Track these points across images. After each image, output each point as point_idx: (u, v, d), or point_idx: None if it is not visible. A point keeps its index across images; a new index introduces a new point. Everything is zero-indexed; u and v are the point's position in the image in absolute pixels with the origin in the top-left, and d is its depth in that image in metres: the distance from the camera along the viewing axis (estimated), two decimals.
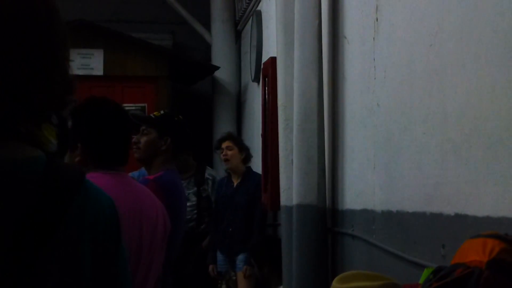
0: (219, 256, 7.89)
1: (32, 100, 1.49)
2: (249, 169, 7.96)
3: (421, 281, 2.70)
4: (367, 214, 4.13)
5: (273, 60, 6.14)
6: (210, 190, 8.00)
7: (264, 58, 7.60)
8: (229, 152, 7.74)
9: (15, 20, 1.49)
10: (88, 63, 9.64)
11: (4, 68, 1.46)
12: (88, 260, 1.55)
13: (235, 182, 7.88)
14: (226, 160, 7.83)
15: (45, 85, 1.50)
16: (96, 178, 3.06)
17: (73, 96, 1.59)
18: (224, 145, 7.77)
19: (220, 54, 10.56)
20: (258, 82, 8.08)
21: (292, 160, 4.86)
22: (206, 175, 8.01)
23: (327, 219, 4.80)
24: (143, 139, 4.09)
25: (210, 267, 7.96)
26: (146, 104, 9.79)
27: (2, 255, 1.42)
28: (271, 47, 6.71)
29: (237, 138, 8.20)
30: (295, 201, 4.77)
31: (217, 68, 10.35)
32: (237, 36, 10.25)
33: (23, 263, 1.44)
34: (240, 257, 7.60)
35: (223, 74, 10.53)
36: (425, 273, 2.70)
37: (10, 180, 1.47)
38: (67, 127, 1.58)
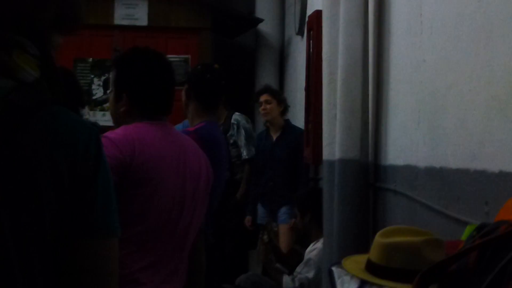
0: (260, 209, 7.90)
1: None
2: (288, 122, 7.94)
3: (463, 237, 2.71)
4: (410, 170, 4.14)
5: (318, 13, 6.13)
6: (236, 134, 7.91)
7: (309, 11, 7.56)
8: (268, 106, 7.71)
9: None
10: (132, 13, 9.61)
11: None
12: (47, 193, 1.51)
13: (274, 136, 7.86)
14: (265, 114, 7.82)
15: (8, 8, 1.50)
16: (141, 128, 3.11)
17: (49, 20, 1.55)
18: (262, 98, 7.74)
19: (264, 7, 10.51)
20: (302, 36, 8.05)
21: (335, 114, 4.87)
22: (232, 121, 7.93)
23: (370, 174, 4.82)
24: None
25: (247, 219, 7.99)
26: (189, 56, 9.77)
27: None
28: (316, 0, 6.67)
29: (275, 91, 8.13)
30: (337, 155, 4.79)
31: (260, 20, 10.31)
32: None
33: None
34: (283, 210, 7.61)
35: (267, 27, 10.48)
36: (468, 230, 2.69)
37: None
38: (51, 58, 1.53)
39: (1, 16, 1.49)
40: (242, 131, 7.97)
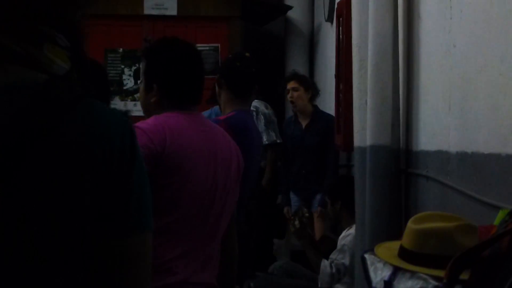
0: (293, 197, 7.89)
1: (27, 18, 1.47)
2: (317, 109, 7.91)
3: (496, 222, 2.71)
4: (441, 155, 4.13)
5: (347, 0, 6.12)
6: (256, 121, 7.85)
7: None
8: (295, 94, 7.67)
9: None
10: (161, 3, 9.63)
11: None
12: (86, 187, 1.50)
13: (304, 123, 7.82)
14: (292, 102, 7.79)
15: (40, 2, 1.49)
16: (171, 118, 3.14)
17: (79, 12, 1.54)
18: (289, 86, 7.71)
19: None
20: (332, 22, 8.05)
21: (366, 100, 4.87)
22: (251, 108, 7.84)
23: (401, 160, 4.81)
24: None
25: (285, 209, 7.97)
26: (219, 45, 9.80)
27: None
28: None
29: (302, 77, 8.05)
30: (368, 142, 4.79)
31: (289, 8, 10.32)
32: None
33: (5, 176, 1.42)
34: (317, 198, 7.61)
35: (296, 14, 10.49)
36: (500, 215, 2.70)
37: (8, 98, 1.45)
38: (82, 50, 1.51)
39: (32, 10, 1.48)
40: (261, 117, 7.89)
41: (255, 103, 7.79)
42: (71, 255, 1.50)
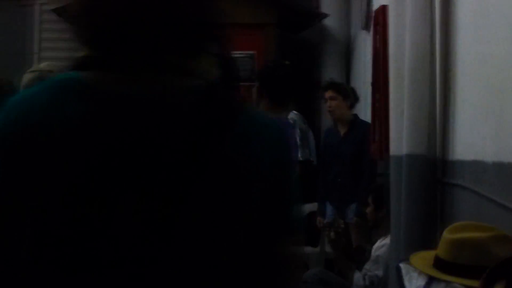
0: (328, 207, 7.83)
1: (186, 32, 1.50)
2: (356, 117, 7.85)
3: None
4: (477, 165, 4.12)
5: (384, 8, 6.13)
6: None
7: (375, 6, 7.54)
8: (333, 103, 7.61)
9: None
10: None
11: (154, 3, 1.47)
12: (253, 193, 1.51)
13: (342, 132, 7.77)
14: (330, 111, 7.74)
15: (196, 13, 1.51)
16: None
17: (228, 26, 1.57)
18: (327, 95, 7.65)
19: (329, 2, 10.52)
20: (368, 31, 8.04)
21: (402, 109, 4.86)
22: (289, 119, 7.69)
23: (437, 170, 4.80)
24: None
25: (318, 219, 7.92)
26: (254, 52, 9.82)
27: (164, 185, 1.42)
28: None
29: (340, 85, 7.97)
30: (405, 151, 4.79)
31: (326, 15, 10.31)
32: None
33: (181, 194, 1.43)
34: (351, 207, 7.55)
35: (332, 22, 10.48)
36: None
37: (165, 112, 1.47)
38: (231, 57, 1.53)
39: (191, 24, 1.51)
40: (298, 131, 7.75)
41: (293, 115, 7.64)
42: (243, 264, 1.52)
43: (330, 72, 10.26)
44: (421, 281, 2.88)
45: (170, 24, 1.49)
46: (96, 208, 1.41)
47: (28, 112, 1.43)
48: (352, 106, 7.75)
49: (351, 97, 7.71)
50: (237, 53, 8.96)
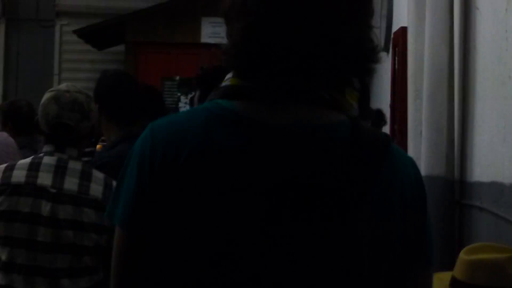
0: None
1: (336, 67, 1.51)
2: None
3: None
4: (496, 187, 4.11)
5: (403, 30, 6.14)
6: None
7: (395, 28, 7.56)
8: None
9: None
10: (219, 31, 9.68)
11: (309, 38, 1.48)
12: (399, 225, 1.55)
13: None
14: None
15: (348, 52, 1.51)
16: None
17: (375, 62, 1.57)
18: None
19: None
20: (388, 52, 8.05)
21: (421, 131, 4.87)
22: None
23: (455, 191, 4.78)
24: None
25: None
26: None
27: (315, 216, 1.45)
28: (402, 17, 6.68)
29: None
30: (423, 172, 4.78)
31: None
32: None
33: (337, 224, 1.46)
34: None
35: None
36: None
37: (319, 145, 1.48)
38: (368, 91, 1.58)
39: (343, 62, 1.53)
40: None
41: None
42: (385, 283, 1.55)
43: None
44: None
45: (326, 58, 1.50)
46: (263, 227, 1.45)
47: (183, 132, 1.46)
48: (377, 126, 7.71)
49: (374, 117, 7.67)
50: None
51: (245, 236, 1.45)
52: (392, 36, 7.57)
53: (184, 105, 9.86)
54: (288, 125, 1.47)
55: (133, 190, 1.47)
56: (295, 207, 1.45)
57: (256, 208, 1.44)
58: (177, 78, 10.00)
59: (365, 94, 1.59)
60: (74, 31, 11.16)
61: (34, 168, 3.26)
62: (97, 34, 11.05)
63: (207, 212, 1.44)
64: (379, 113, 7.55)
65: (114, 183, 3.25)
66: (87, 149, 5.04)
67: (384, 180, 1.51)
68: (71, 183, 3.24)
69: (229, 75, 1.58)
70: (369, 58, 1.53)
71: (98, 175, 3.32)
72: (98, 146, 5.64)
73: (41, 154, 3.33)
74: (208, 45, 9.80)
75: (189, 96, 9.70)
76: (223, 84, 1.57)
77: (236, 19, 1.54)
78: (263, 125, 1.46)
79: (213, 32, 9.74)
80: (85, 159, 3.61)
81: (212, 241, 1.45)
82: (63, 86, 3.50)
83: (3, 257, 3.21)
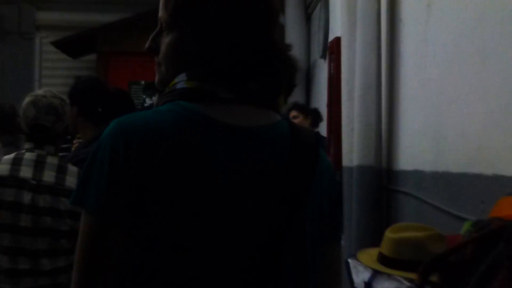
0: None
1: (284, 81, 1.61)
2: (317, 133, 7.87)
3: (462, 232, 2.71)
4: (417, 174, 4.15)
5: (338, 39, 6.16)
6: None
7: (330, 38, 7.59)
8: (296, 121, 7.61)
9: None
10: None
11: (250, 51, 1.54)
12: (326, 214, 1.64)
13: None
14: None
15: (289, 69, 1.62)
16: None
17: (297, 71, 1.74)
18: (291, 114, 7.67)
19: (292, 34, 10.53)
20: (325, 59, 8.07)
21: (353, 126, 4.89)
22: None
23: (383, 178, 4.82)
24: None
25: None
26: None
27: (272, 200, 1.50)
28: (336, 28, 6.69)
29: (301, 105, 7.93)
30: (355, 162, 4.81)
31: (290, 46, 10.33)
32: (307, 19, 10.22)
33: (285, 217, 1.52)
34: None
35: (295, 52, 10.38)
36: (466, 226, 2.70)
37: (268, 141, 1.54)
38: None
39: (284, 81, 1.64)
40: None
41: None
42: (314, 250, 1.62)
43: (293, 95, 10.20)
44: (367, 274, 2.88)
45: (265, 67, 1.57)
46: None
47: (155, 133, 1.46)
48: (315, 124, 7.72)
49: (313, 115, 7.68)
50: None
51: (215, 218, 1.46)
52: (328, 45, 7.59)
53: (148, 102, 9.85)
54: (243, 125, 1.51)
55: (106, 180, 1.43)
56: (255, 195, 1.49)
57: (223, 194, 1.46)
58: (142, 82, 9.95)
59: (286, 97, 1.74)
60: (52, 42, 11.12)
61: (17, 162, 3.28)
62: (72, 44, 10.99)
63: (183, 199, 1.43)
64: (317, 112, 7.57)
65: None
66: (63, 146, 4.99)
67: (319, 174, 1.60)
68: (49, 176, 3.26)
69: (181, 77, 1.55)
70: (294, 69, 1.65)
71: (72, 168, 3.33)
72: (74, 144, 5.56)
73: (23, 151, 3.35)
74: None
75: (153, 98, 9.66)
76: (178, 85, 1.55)
77: (181, 27, 1.56)
78: (224, 125, 1.49)
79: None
80: (62, 154, 3.57)
81: (185, 221, 1.44)
82: (41, 91, 3.50)
83: None
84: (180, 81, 1.54)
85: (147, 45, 1.64)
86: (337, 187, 1.71)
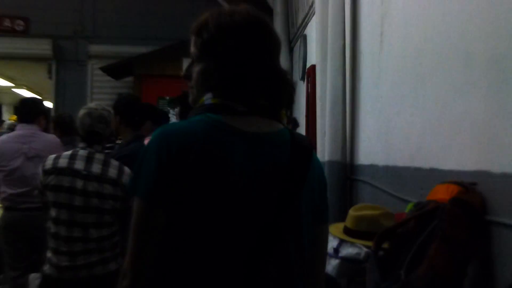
0: None
1: (285, 98, 1.61)
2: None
3: (406, 211, 2.72)
4: (373, 168, 4.14)
5: (313, 66, 6.15)
6: None
7: (308, 65, 7.58)
8: None
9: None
10: None
11: (262, 76, 1.55)
12: (317, 201, 1.62)
13: None
14: None
15: (283, 86, 1.59)
16: None
17: (295, 91, 1.69)
18: None
19: (280, 62, 10.51)
20: (304, 81, 8.06)
21: (325, 131, 4.88)
22: None
23: (347, 171, 4.81)
24: None
25: None
26: None
27: (277, 187, 1.50)
28: (312, 58, 6.69)
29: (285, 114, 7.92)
30: (326, 158, 4.80)
31: None
32: (290, 51, 10.20)
33: (287, 202, 1.51)
34: None
35: None
36: (409, 206, 2.70)
37: (275, 145, 1.54)
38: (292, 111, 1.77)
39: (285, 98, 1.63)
40: None
41: None
42: (309, 232, 1.59)
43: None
44: (335, 242, 2.88)
45: (284, 87, 1.60)
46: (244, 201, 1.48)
47: (190, 137, 1.46)
48: (294, 129, 7.70)
49: (293, 123, 7.67)
50: None
51: (234, 201, 1.46)
52: (306, 70, 7.58)
53: (172, 116, 9.81)
54: (254, 131, 1.51)
55: (153, 174, 1.43)
56: (264, 184, 1.49)
57: (240, 184, 1.46)
58: (167, 97, 9.94)
59: (288, 111, 1.72)
60: (100, 68, 11.08)
61: (73, 157, 3.29)
62: (115, 69, 10.96)
63: (210, 187, 1.44)
64: (295, 120, 7.58)
65: (126, 168, 3.27)
66: (108, 145, 4.98)
67: (312, 169, 1.58)
68: (96, 168, 3.28)
69: (208, 96, 1.56)
70: (293, 89, 1.63)
71: (114, 162, 3.35)
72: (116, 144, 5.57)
73: (78, 149, 3.36)
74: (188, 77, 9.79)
75: (176, 109, 9.65)
76: (206, 102, 1.56)
77: (211, 57, 1.56)
78: (240, 131, 1.49)
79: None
80: (106, 151, 3.58)
81: (211, 204, 1.44)
82: (93, 105, 3.54)
83: (53, 215, 3.22)
84: (207, 99, 1.54)
85: (183, 73, 1.67)
86: (324, 179, 1.67)
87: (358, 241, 2.77)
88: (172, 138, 1.45)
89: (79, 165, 3.21)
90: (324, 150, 4.87)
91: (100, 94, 11.67)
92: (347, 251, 2.75)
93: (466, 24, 2.56)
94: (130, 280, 1.43)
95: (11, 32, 11.44)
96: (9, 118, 15.39)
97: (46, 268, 3.23)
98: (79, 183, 3.17)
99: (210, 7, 1.62)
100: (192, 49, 1.60)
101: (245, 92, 1.53)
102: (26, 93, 15.71)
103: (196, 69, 1.58)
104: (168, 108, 10.03)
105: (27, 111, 4.68)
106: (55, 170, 3.21)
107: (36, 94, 15.69)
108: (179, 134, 1.46)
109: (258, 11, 1.61)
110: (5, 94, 17.18)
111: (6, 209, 4.53)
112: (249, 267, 1.44)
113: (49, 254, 3.22)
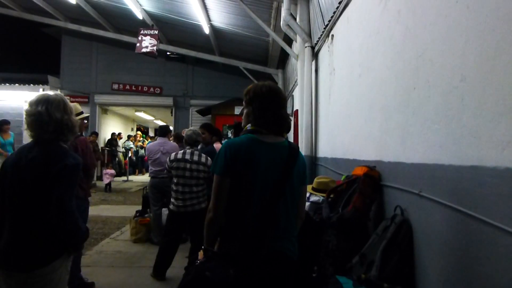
0: None
1: (286, 127, 1.48)
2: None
3: (342, 179, 2.67)
4: (325, 159, 4.02)
5: (297, 110, 6.00)
6: None
7: (294, 109, 7.39)
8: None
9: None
10: (239, 111, 9.20)
11: (278, 117, 1.44)
12: (301, 174, 1.48)
13: None
14: None
15: (288, 123, 1.49)
16: None
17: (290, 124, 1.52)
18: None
19: None
20: (292, 117, 7.90)
21: (302, 137, 4.75)
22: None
23: (313, 160, 4.68)
24: None
25: None
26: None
27: (280, 170, 1.39)
28: (297, 105, 6.51)
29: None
30: (303, 153, 4.68)
31: None
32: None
33: (287, 175, 1.41)
34: None
35: None
36: (343, 177, 2.64)
37: (282, 149, 1.44)
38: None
39: (286, 127, 1.50)
40: None
41: None
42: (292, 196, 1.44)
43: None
44: (308, 194, 2.80)
45: (286, 121, 1.48)
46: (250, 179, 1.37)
47: (239, 145, 1.39)
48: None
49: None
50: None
51: (258, 178, 1.36)
52: (294, 112, 7.44)
53: (230, 134, 9.64)
54: (271, 142, 1.43)
55: (223, 163, 1.39)
56: (274, 169, 1.39)
57: (261, 169, 1.37)
58: (227, 125, 9.80)
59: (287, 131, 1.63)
60: (196, 111, 10.82)
61: (184, 153, 3.19)
62: (203, 111, 10.76)
63: (247, 170, 1.37)
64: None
65: (209, 159, 3.23)
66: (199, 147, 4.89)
67: (298, 160, 1.46)
68: (195, 157, 3.17)
69: (249, 125, 1.52)
70: (289, 123, 1.51)
71: (203, 155, 3.24)
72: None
73: (185, 149, 3.25)
74: (237, 115, 9.39)
75: (231, 131, 9.45)
76: (248, 127, 1.51)
77: (251, 106, 1.52)
78: (264, 142, 1.42)
79: (238, 111, 9.54)
80: (197, 149, 3.58)
81: (247, 178, 1.37)
82: (192, 128, 3.55)
83: (175, 181, 3.13)
84: (249, 126, 1.53)
85: (239, 113, 1.65)
86: (305, 164, 1.53)
87: (318, 194, 2.73)
88: (231, 146, 1.45)
89: (187, 156, 3.23)
90: (302, 149, 4.81)
91: (194, 123, 11.67)
92: (314, 198, 2.71)
93: (368, 90, 2.51)
94: (213, 213, 1.45)
95: (153, 94, 11.64)
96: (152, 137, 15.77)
97: (171, 206, 3.23)
98: (187, 165, 3.20)
99: (249, 82, 1.63)
100: (244, 100, 1.59)
101: (267, 124, 1.49)
102: (160, 122, 15.79)
103: (244, 111, 1.56)
104: (228, 130, 9.93)
105: (162, 131, 4.74)
106: (176, 159, 3.24)
107: (165, 123, 15.69)
108: (235, 144, 1.45)
109: (274, 83, 1.58)
110: (150, 122, 17.57)
111: (152, 177, 4.61)
112: (268, 205, 1.42)
113: (172, 200, 3.23)
